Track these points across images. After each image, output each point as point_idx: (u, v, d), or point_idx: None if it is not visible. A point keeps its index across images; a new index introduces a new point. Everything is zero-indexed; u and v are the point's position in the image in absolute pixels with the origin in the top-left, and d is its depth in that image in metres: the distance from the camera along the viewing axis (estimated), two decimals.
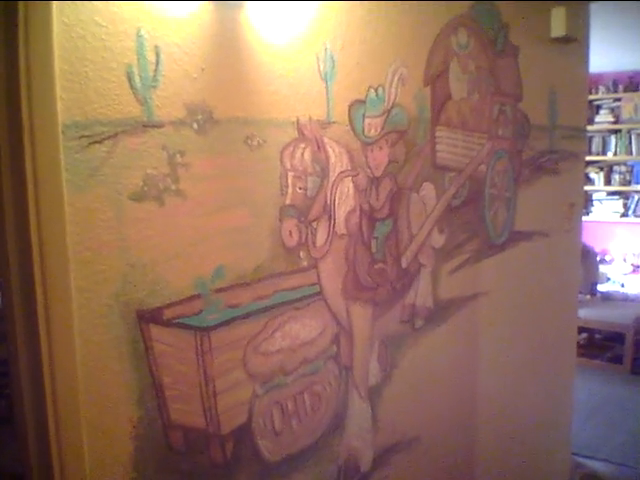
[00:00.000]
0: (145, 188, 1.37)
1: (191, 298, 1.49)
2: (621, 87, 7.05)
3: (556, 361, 3.30)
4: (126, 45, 1.32)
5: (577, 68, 3.19)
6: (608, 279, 6.79)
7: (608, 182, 7.24)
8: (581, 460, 3.88)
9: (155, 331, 1.43)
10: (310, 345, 1.81)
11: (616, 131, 7.11)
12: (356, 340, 1.96)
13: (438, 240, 2.27)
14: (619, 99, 7.07)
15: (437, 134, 2.18)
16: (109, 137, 1.30)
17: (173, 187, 1.43)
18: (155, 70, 1.37)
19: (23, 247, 1.24)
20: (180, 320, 1.47)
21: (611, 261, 7.20)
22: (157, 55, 1.37)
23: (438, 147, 2.19)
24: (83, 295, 1.29)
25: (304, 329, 1.79)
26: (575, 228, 3.28)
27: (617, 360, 5.41)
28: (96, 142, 1.28)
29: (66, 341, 1.28)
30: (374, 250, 1.98)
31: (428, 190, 2.19)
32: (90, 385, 1.32)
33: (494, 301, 2.64)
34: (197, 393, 1.53)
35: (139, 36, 1.33)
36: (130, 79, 1.32)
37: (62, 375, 1.29)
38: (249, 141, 1.59)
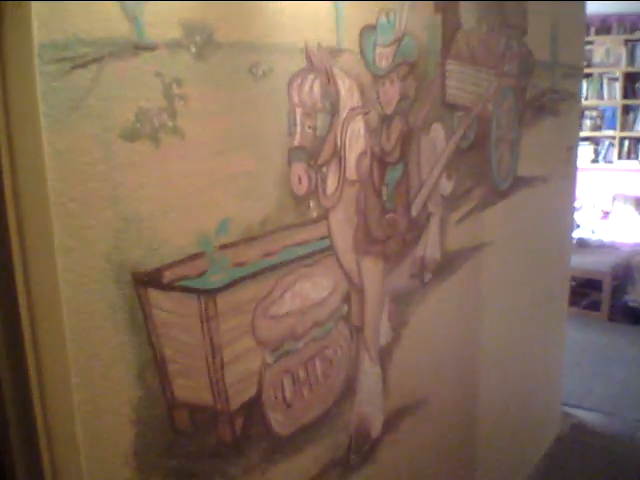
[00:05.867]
0: (138, 125, 1.13)
1: (193, 257, 1.27)
2: (593, 30, 6.89)
3: (551, 308, 3.19)
4: None
5: (575, 4, 2.99)
6: (578, 226, 6.75)
7: (579, 127, 7.14)
8: (567, 410, 3.83)
9: (154, 296, 1.21)
10: (321, 306, 1.61)
11: (587, 75, 6.97)
12: (367, 298, 1.77)
13: (447, 186, 2.08)
14: (591, 42, 6.91)
15: (447, 67, 1.97)
16: (94, 60, 1.05)
17: (170, 124, 1.19)
18: None
19: None
20: (182, 283, 1.26)
21: (580, 208, 7.16)
22: None
23: (448, 82, 1.98)
24: (69, 256, 1.06)
25: (314, 288, 1.59)
26: (571, 173, 3.14)
27: (593, 307, 5.39)
28: (79, 66, 1.02)
29: (51, 311, 1.06)
30: (385, 198, 1.78)
31: (438, 131, 1.98)
32: (81, 362, 1.10)
33: (497, 251, 2.48)
34: (203, 366, 1.32)
35: None
36: None
37: (48, 352, 1.07)
38: (254, 69, 1.35)
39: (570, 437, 3.53)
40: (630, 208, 6.87)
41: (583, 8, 3.06)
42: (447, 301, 2.19)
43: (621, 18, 6.85)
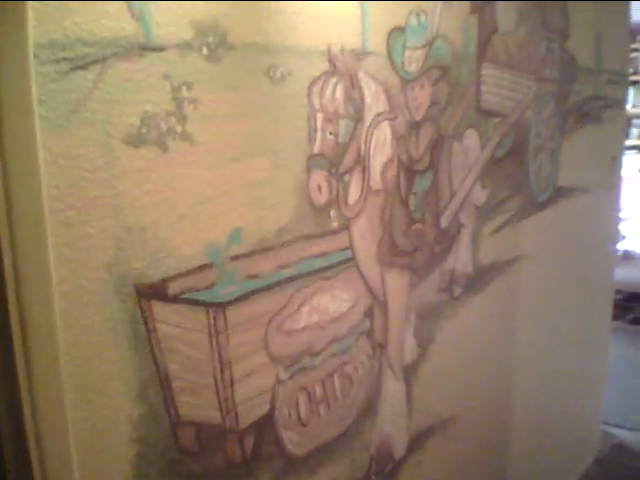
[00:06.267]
0: (143, 130, 1.08)
1: (202, 268, 1.21)
2: None
3: (593, 323, 3.04)
4: None
5: (620, 6, 2.85)
6: (623, 237, 6.51)
7: (626, 136, 6.89)
8: (608, 429, 3.66)
9: (158, 309, 1.15)
10: (341, 320, 1.54)
11: (634, 82, 6.72)
12: (391, 313, 1.68)
13: (480, 196, 1.98)
14: (638, 49, 6.66)
15: (483, 72, 1.87)
16: (96, 61, 0.99)
17: (178, 129, 1.13)
18: None
19: None
20: (189, 295, 1.19)
21: (626, 218, 6.90)
22: None
23: (483, 88, 1.88)
24: (66, 266, 1.01)
25: (334, 302, 1.51)
26: (616, 183, 2.99)
27: (639, 321, 5.18)
28: (79, 67, 0.97)
29: (45, 325, 1.00)
30: (412, 208, 1.69)
31: (472, 138, 1.89)
32: (78, 379, 1.04)
33: (534, 264, 2.36)
34: (211, 382, 1.26)
35: None
36: None
37: (41, 368, 1.02)
38: (271, 73, 1.28)
39: (610, 459, 3.36)
40: None
41: (627, 13, 2.92)
42: (478, 316, 2.09)
43: None
